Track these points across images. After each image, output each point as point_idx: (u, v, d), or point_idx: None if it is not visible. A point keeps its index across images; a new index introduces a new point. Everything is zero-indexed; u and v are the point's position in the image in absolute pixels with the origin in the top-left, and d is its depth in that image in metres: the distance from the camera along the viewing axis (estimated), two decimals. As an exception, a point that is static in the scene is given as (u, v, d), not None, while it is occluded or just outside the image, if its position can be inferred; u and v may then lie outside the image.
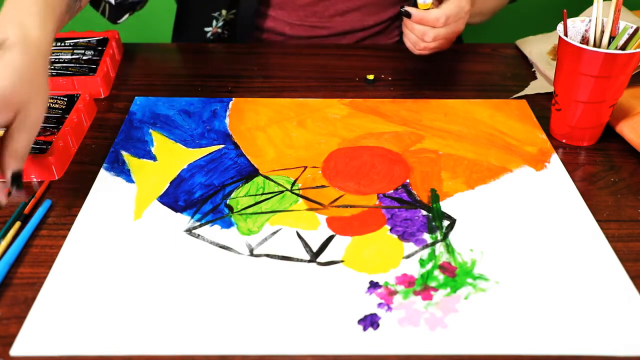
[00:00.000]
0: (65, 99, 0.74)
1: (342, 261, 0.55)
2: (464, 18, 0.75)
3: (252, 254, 0.56)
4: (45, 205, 0.60)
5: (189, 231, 0.58)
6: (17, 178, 0.55)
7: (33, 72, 0.54)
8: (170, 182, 0.64)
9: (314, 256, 0.55)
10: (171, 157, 0.68)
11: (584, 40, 0.70)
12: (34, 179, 0.64)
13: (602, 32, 0.68)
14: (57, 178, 0.65)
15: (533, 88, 0.81)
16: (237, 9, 0.93)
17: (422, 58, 0.85)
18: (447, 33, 0.75)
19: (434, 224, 0.59)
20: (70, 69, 0.80)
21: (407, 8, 0.73)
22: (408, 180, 0.64)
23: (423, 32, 0.74)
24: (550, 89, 0.81)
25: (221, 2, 0.93)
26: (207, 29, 0.96)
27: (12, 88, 0.52)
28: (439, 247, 0.56)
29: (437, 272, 0.54)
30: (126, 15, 0.90)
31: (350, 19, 0.97)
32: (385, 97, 0.79)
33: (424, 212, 0.60)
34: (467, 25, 0.78)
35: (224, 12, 0.92)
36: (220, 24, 0.95)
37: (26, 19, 0.56)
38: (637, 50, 0.63)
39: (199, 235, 0.58)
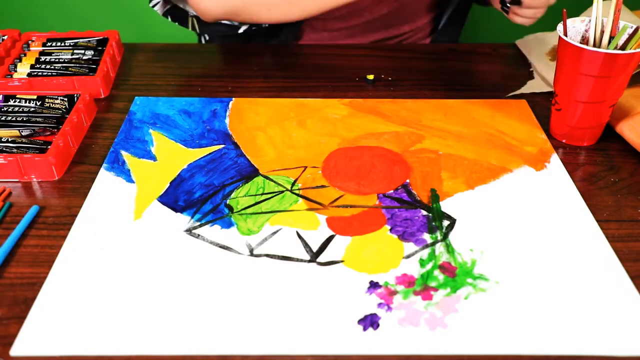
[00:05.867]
0: (65, 99, 0.74)
1: (342, 261, 0.55)
2: None
3: (252, 254, 0.56)
4: (32, 211, 0.60)
5: (189, 231, 0.58)
6: None
7: None
8: (170, 182, 0.64)
9: (314, 256, 0.55)
10: (171, 157, 0.68)
11: (584, 40, 0.70)
12: (34, 179, 0.64)
13: (602, 32, 0.68)
14: (57, 178, 0.65)
15: (529, 87, 0.81)
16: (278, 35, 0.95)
17: (421, 58, 0.86)
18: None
19: (434, 224, 0.59)
20: (70, 69, 0.80)
21: None
22: (408, 180, 0.64)
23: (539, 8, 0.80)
24: (547, 88, 0.81)
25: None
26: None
27: None
28: (439, 247, 0.56)
29: (437, 272, 0.54)
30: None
31: (382, 31, 0.99)
32: (385, 97, 0.79)
33: (424, 212, 0.60)
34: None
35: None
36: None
37: None
38: (637, 50, 0.63)
39: (199, 235, 0.58)
